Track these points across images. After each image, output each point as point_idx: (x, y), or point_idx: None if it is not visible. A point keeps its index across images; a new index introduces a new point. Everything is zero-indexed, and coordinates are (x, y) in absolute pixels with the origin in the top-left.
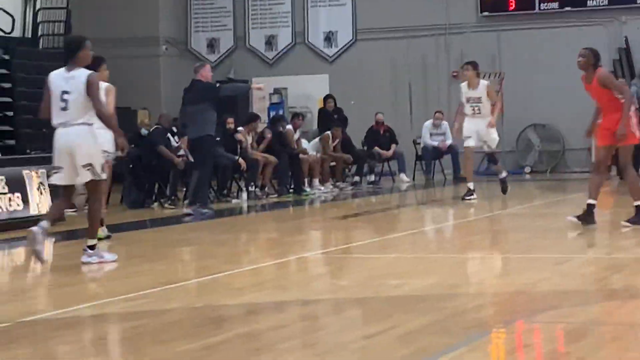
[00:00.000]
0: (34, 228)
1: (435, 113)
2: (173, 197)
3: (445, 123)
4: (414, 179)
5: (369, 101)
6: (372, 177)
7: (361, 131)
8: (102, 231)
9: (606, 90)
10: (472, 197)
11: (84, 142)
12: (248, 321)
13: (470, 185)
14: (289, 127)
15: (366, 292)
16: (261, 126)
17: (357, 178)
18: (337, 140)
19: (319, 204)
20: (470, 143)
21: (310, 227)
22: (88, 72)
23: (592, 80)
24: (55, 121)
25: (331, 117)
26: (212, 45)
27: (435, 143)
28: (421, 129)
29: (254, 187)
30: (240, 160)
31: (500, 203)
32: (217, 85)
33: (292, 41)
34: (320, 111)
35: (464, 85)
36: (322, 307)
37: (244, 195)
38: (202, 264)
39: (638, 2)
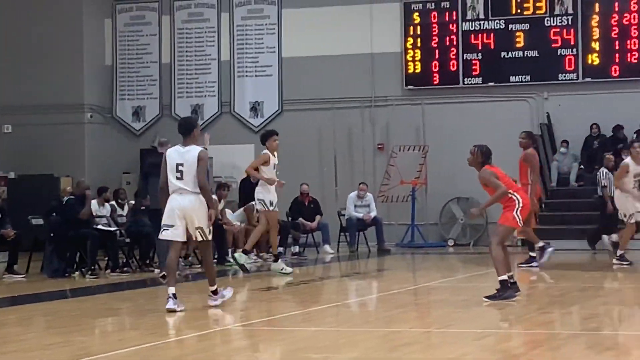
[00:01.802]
0: (170, 303)
1: (360, 185)
2: (94, 267)
3: (369, 195)
4: (338, 250)
5: (294, 172)
6: (296, 248)
7: (286, 202)
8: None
9: (489, 188)
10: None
11: (197, 209)
12: None
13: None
14: (214, 197)
15: None
16: None
17: (280, 249)
18: None
19: (242, 275)
20: (633, 220)
21: (233, 298)
22: (200, 148)
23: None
24: (171, 189)
25: (253, 188)
26: (137, 113)
27: (360, 215)
28: (346, 200)
29: None
30: None
31: (423, 276)
32: None
33: (218, 110)
34: (243, 182)
35: (630, 162)
36: None
37: None
38: (123, 336)
39: (560, 78)
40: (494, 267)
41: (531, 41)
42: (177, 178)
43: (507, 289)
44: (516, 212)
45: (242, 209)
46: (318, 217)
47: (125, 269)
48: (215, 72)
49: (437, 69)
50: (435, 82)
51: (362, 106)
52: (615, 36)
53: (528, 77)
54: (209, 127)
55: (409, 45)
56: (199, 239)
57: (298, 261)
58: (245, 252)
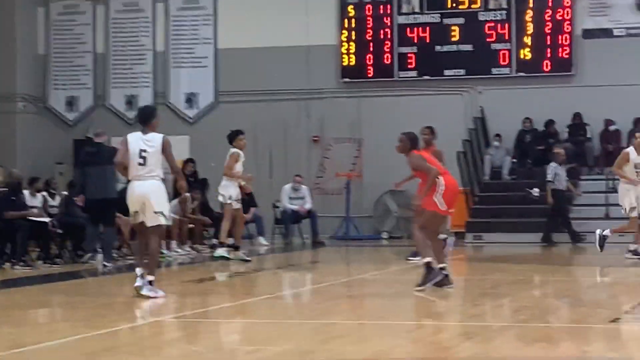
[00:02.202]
0: (138, 281)
1: (295, 177)
2: (24, 258)
3: (304, 187)
4: (272, 242)
5: None
6: (231, 240)
7: None
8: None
9: (419, 172)
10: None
11: (158, 193)
12: None
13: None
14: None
15: (219, 358)
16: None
17: (215, 241)
18: (196, 203)
19: (176, 267)
20: (635, 214)
21: (167, 290)
22: (162, 135)
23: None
24: (132, 174)
25: (188, 180)
26: (71, 103)
27: (295, 207)
28: (281, 193)
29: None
30: None
31: (357, 268)
32: None
33: (153, 101)
34: None
35: (632, 150)
36: None
37: (99, 256)
38: (53, 327)
39: (494, 73)
40: (419, 252)
41: (466, 35)
42: (140, 164)
43: (432, 271)
44: (436, 195)
45: (176, 200)
46: (252, 209)
47: (56, 260)
48: (150, 63)
49: (372, 61)
50: (370, 75)
51: (297, 98)
52: (548, 31)
53: (462, 71)
54: None
55: (344, 38)
56: (159, 223)
57: None
58: (237, 247)
